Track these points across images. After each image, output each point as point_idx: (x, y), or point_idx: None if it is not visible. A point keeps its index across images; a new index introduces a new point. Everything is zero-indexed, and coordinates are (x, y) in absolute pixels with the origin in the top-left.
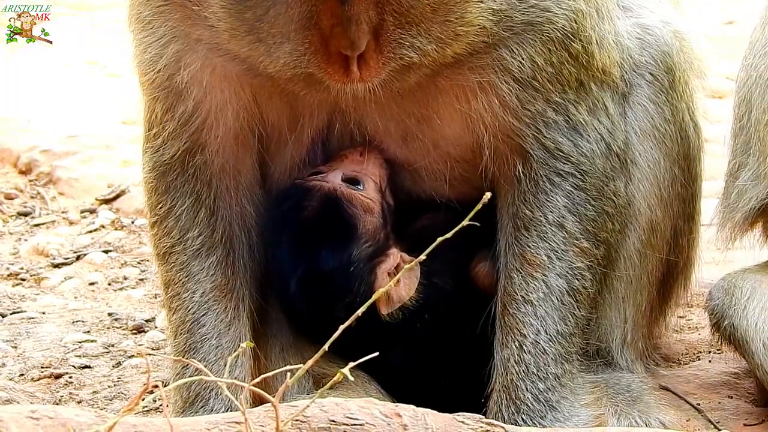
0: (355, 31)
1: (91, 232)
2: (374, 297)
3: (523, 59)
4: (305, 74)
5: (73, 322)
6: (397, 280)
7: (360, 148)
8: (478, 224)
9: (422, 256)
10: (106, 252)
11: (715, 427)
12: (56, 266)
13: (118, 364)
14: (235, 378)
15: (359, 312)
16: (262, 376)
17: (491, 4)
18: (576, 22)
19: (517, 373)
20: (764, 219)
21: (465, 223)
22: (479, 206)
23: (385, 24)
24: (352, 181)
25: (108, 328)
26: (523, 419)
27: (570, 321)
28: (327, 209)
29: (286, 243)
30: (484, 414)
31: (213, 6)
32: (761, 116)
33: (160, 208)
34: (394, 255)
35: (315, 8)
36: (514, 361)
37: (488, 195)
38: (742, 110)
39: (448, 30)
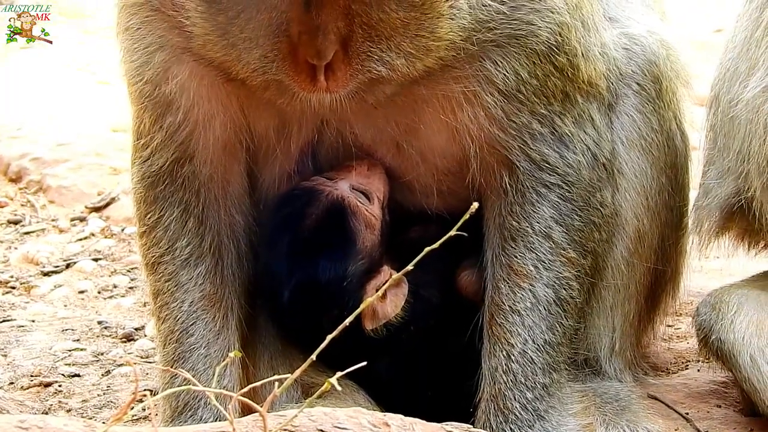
0: (322, 40)
1: (80, 240)
2: (361, 307)
3: (507, 72)
4: (274, 81)
5: (63, 331)
6: (384, 296)
7: (366, 161)
8: (466, 234)
9: (410, 266)
10: (95, 260)
11: None
12: (46, 274)
13: (108, 372)
14: (224, 387)
15: (347, 322)
16: (251, 386)
17: (461, 21)
18: (560, 35)
19: (505, 383)
20: (735, 226)
21: (453, 233)
22: (467, 216)
23: (355, 36)
24: (360, 194)
25: (97, 336)
26: (511, 428)
27: (558, 330)
28: (331, 217)
29: (282, 248)
30: (473, 423)
31: (189, 11)
32: (726, 109)
33: (149, 218)
34: (385, 272)
35: (284, 15)
36: (502, 370)
37: (476, 205)
38: (713, 108)
39: (418, 45)
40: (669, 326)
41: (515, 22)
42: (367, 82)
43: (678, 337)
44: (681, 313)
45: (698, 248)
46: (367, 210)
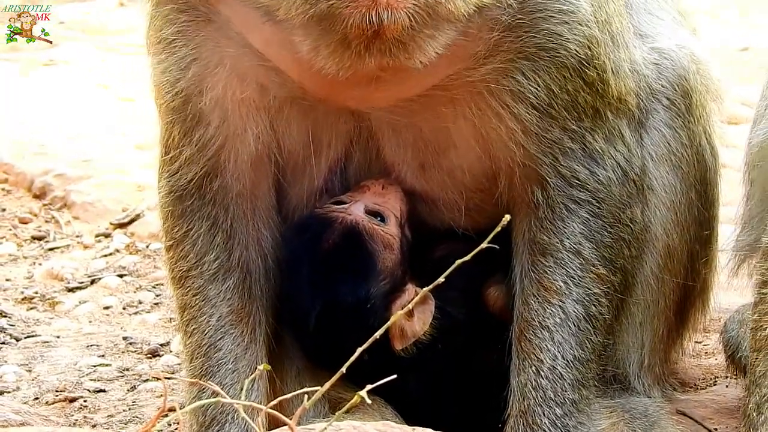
0: None
1: (105, 256)
2: (391, 320)
3: (538, 86)
4: (321, 14)
5: (88, 346)
6: (412, 315)
7: (382, 180)
8: (497, 247)
9: (440, 280)
10: (120, 276)
11: None
12: (71, 290)
13: (133, 388)
14: (252, 402)
15: (377, 334)
16: (279, 399)
17: None
18: (590, 49)
19: (534, 399)
20: None
21: (484, 245)
22: (498, 228)
23: None
24: (374, 215)
25: (123, 352)
26: None
27: (587, 347)
28: (347, 243)
29: (303, 276)
30: None
31: None
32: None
33: (177, 231)
34: (410, 290)
35: None
36: (531, 386)
37: (507, 217)
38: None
39: None
40: (698, 342)
41: (544, 32)
42: (425, 17)
43: (706, 353)
44: (709, 330)
45: (741, 288)
46: (383, 231)
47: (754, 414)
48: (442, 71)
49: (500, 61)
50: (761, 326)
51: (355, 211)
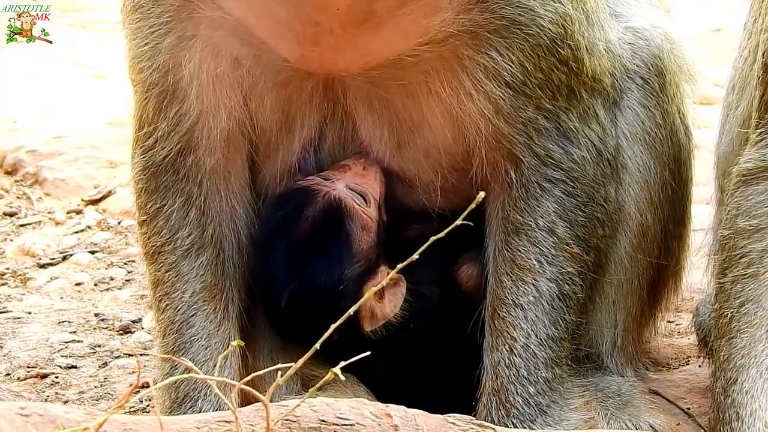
0: None
1: (77, 232)
2: (364, 298)
3: (512, 64)
4: None
5: (59, 323)
6: (383, 296)
7: (363, 160)
8: (471, 224)
9: (415, 256)
10: (92, 252)
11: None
12: (42, 266)
13: (105, 364)
14: (225, 378)
15: (350, 312)
16: (253, 375)
17: None
18: (563, 27)
19: (507, 377)
20: None
21: (458, 222)
22: (473, 205)
23: None
24: (357, 195)
25: (94, 328)
26: (513, 423)
27: (560, 325)
28: (328, 219)
29: (279, 251)
30: (475, 417)
31: None
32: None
33: (150, 207)
34: (383, 273)
35: None
36: (505, 364)
37: (482, 194)
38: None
39: None
40: (670, 322)
41: (518, 7)
42: None
43: (679, 332)
44: (682, 309)
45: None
46: (363, 212)
47: (722, 398)
48: (411, 33)
49: (472, 32)
50: (723, 314)
51: (339, 187)
